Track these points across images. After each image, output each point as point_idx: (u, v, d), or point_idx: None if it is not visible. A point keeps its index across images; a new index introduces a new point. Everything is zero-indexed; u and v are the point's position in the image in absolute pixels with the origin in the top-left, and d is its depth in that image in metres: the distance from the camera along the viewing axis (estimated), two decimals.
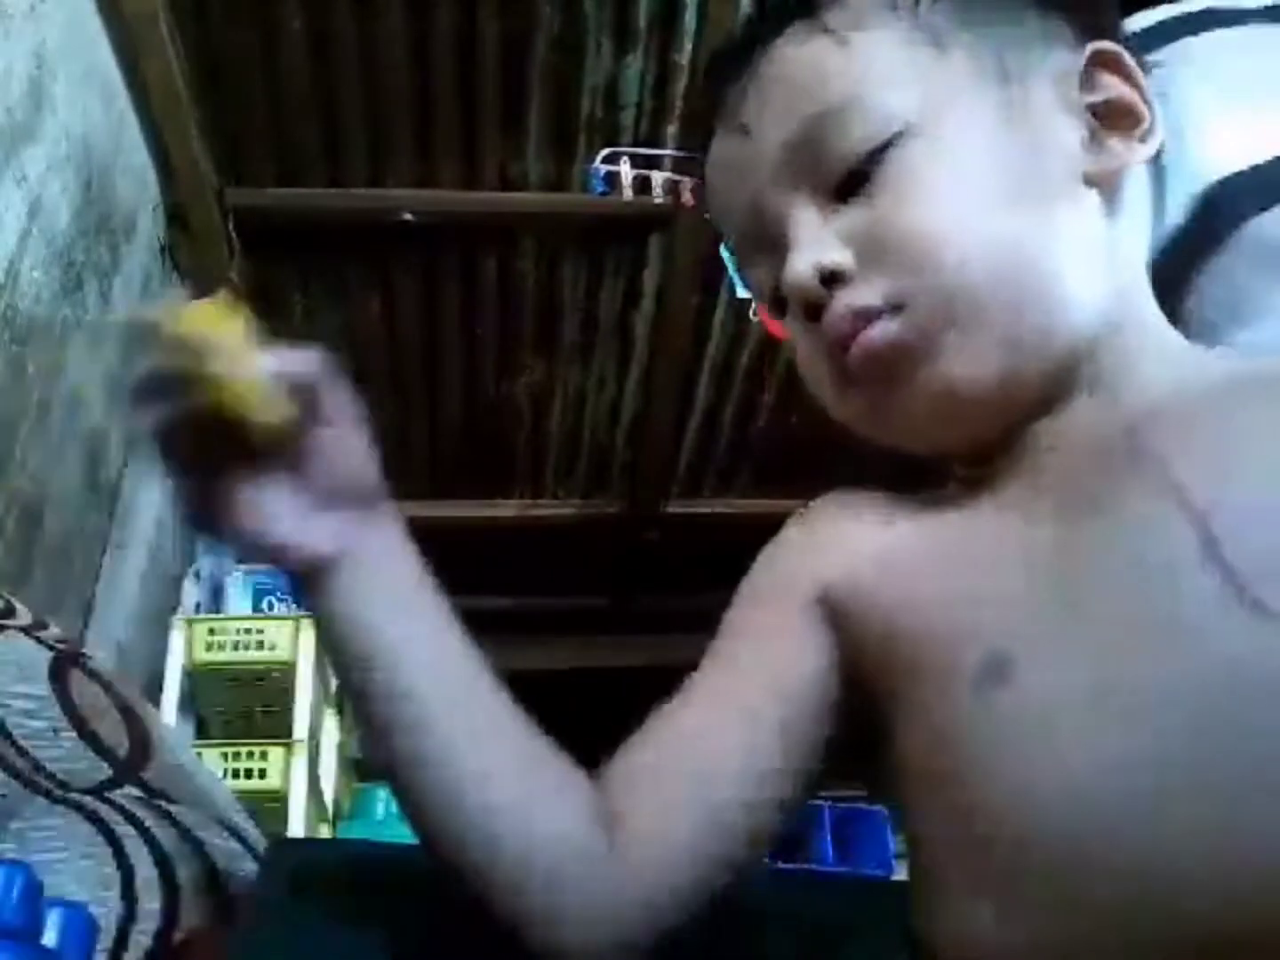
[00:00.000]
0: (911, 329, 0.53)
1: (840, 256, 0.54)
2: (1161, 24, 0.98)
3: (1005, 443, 0.57)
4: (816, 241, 0.55)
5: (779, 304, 0.60)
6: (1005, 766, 0.47)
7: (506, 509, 3.59)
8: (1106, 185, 0.57)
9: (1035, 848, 0.45)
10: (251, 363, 0.53)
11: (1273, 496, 0.46)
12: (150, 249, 2.36)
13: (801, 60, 0.57)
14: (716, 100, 0.60)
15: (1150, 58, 0.91)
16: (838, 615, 0.58)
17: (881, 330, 0.54)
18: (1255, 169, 0.85)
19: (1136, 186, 0.59)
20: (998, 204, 0.54)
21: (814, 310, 0.56)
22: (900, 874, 1.69)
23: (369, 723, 0.57)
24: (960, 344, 0.53)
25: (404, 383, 3.10)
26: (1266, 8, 0.94)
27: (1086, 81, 0.57)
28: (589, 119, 2.43)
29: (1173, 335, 0.59)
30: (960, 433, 0.57)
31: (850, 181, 0.55)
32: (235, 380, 0.52)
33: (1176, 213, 0.89)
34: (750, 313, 2.31)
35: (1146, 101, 0.57)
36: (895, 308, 0.53)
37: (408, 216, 2.55)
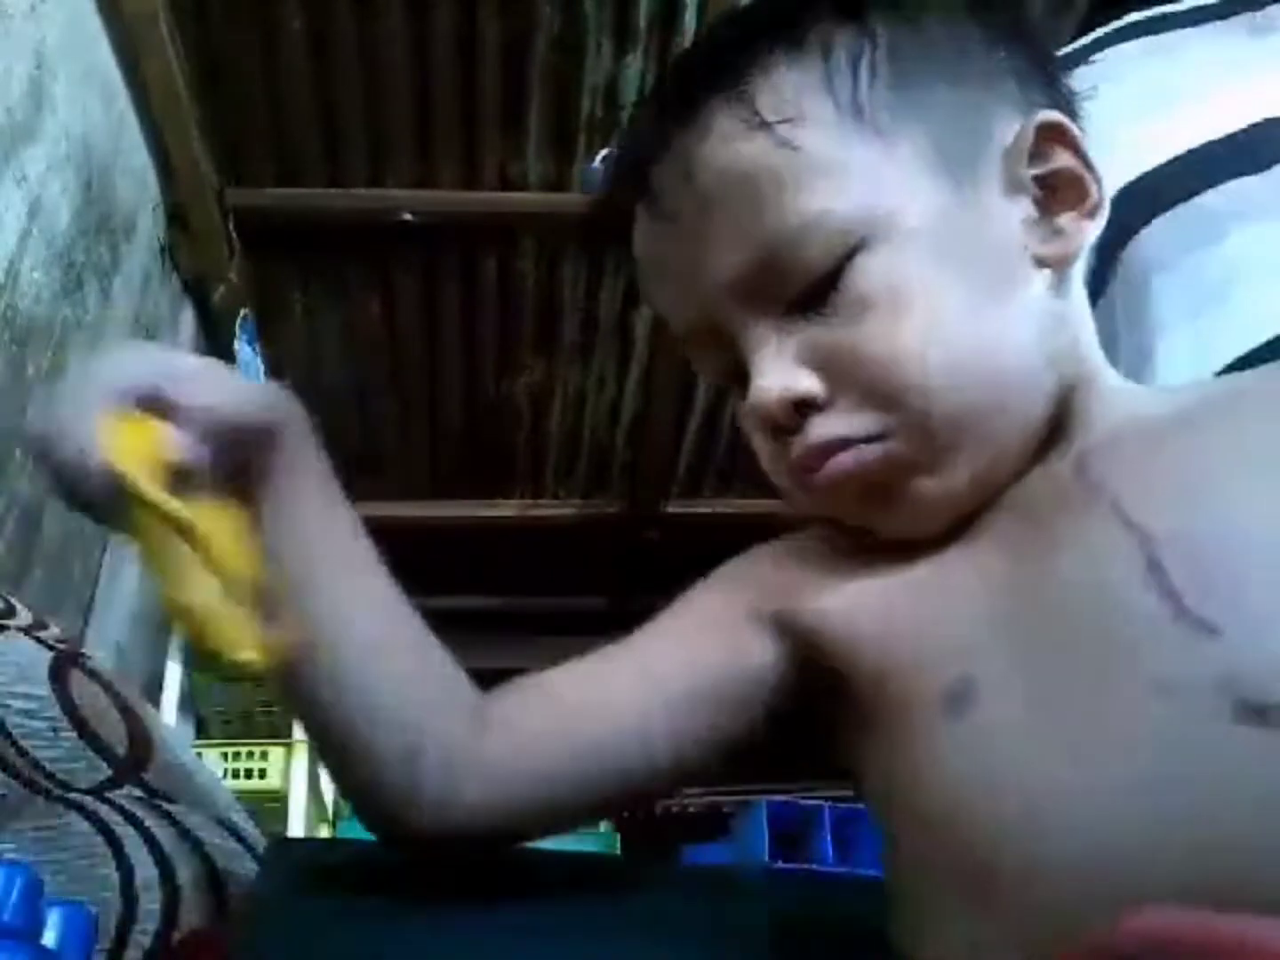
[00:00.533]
0: (891, 458, 0.53)
1: (810, 384, 0.53)
2: (1096, 40, 0.99)
3: None
4: (779, 364, 0.53)
5: (728, 386, 0.60)
6: (969, 793, 0.47)
7: (506, 509, 3.59)
8: (1057, 267, 0.56)
9: (999, 872, 0.45)
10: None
11: (1212, 518, 0.46)
12: (150, 249, 2.36)
13: (741, 164, 0.53)
14: (638, 176, 0.57)
15: (1080, 70, 0.91)
16: (794, 640, 0.58)
17: (855, 456, 0.53)
18: (1144, 176, 0.86)
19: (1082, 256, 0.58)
20: (963, 309, 0.52)
21: (786, 431, 0.55)
22: None
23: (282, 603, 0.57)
24: (938, 466, 0.53)
25: (404, 382, 3.11)
26: (1190, 9, 0.94)
27: (1034, 154, 0.55)
28: (589, 119, 2.43)
29: (1114, 379, 0.59)
30: (931, 530, 0.57)
31: (808, 298, 0.53)
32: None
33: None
34: None
35: (1093, 173, 0.56)
36: (873, 440, 0.53)
37: (408, 216, 2.55)
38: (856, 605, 0.56)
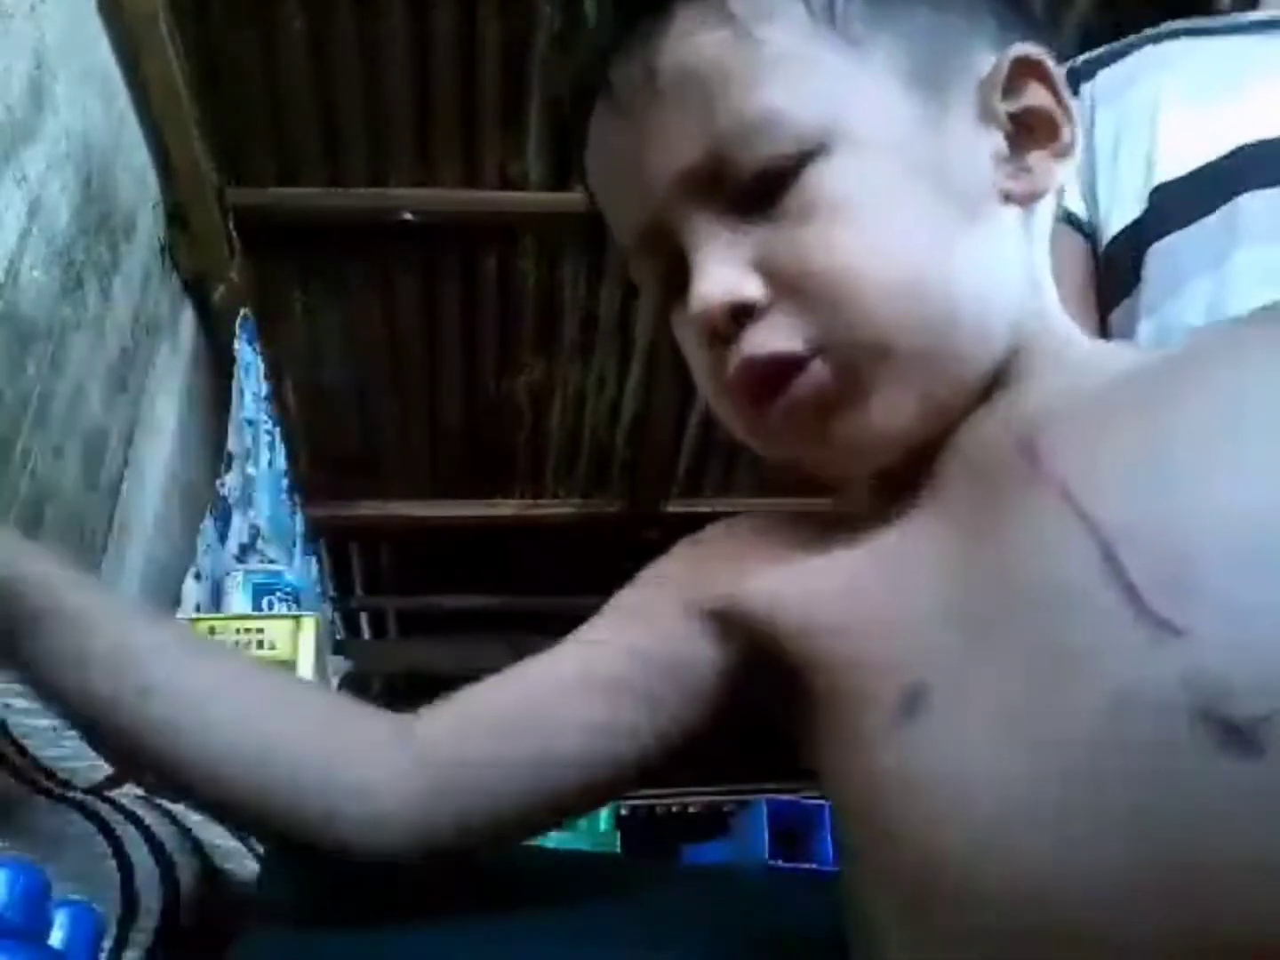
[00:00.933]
0: (833, 376, 0.50)
1: (753, 289, 0.50)
2: (1138, 37, 1.01)
3: (906, 463, 0.54)
4: (723, 267, 0.51)
5: (664, 301, 0.57)
6: (917, 801, 0.44)
7: (506, 508, 3.59)
8: (1023, 205, 0.54)
9: (936, 895, 0.42)
10: None
11: (1174, 501, 0.42)
12: (150, 248, 2.36)
13: (702, 56, 0.51)
14: (597, 70, 0.55)
15: (1126, 60, 0.91)
16: (740, 632, 0.56)
17: (807, 381, 0.50)
18: (1193, 175, 0.87)
19: (1048, 199, 0.57)
20: (917, 230, 0.50)
21: (719, 339, 0.52)
22: None
23: (109, 737, 0.54)
24: (881, 388, 0.50)
25: (404, 382, 3.11)
26: (1229, 25, 0.96)
27: (1009, 88, 0.54)
28: None
29: (1077, 338, 0.56)
30: (870, 466, 0.55)
31: (758, 198, 0.51)
32: None
33: (1136, 205, 0.91)
34: None
35: (1067, 113, 0.54)
36: (815, 352, 0.50)
37: (408, 216, 2.55)
38: (811, 593, 0.53)
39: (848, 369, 0.50)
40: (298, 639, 2.42)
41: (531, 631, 4.24)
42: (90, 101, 2.02)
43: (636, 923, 0.61)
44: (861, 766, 0.48)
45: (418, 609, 4.24)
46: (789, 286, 0.50)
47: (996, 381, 0.53)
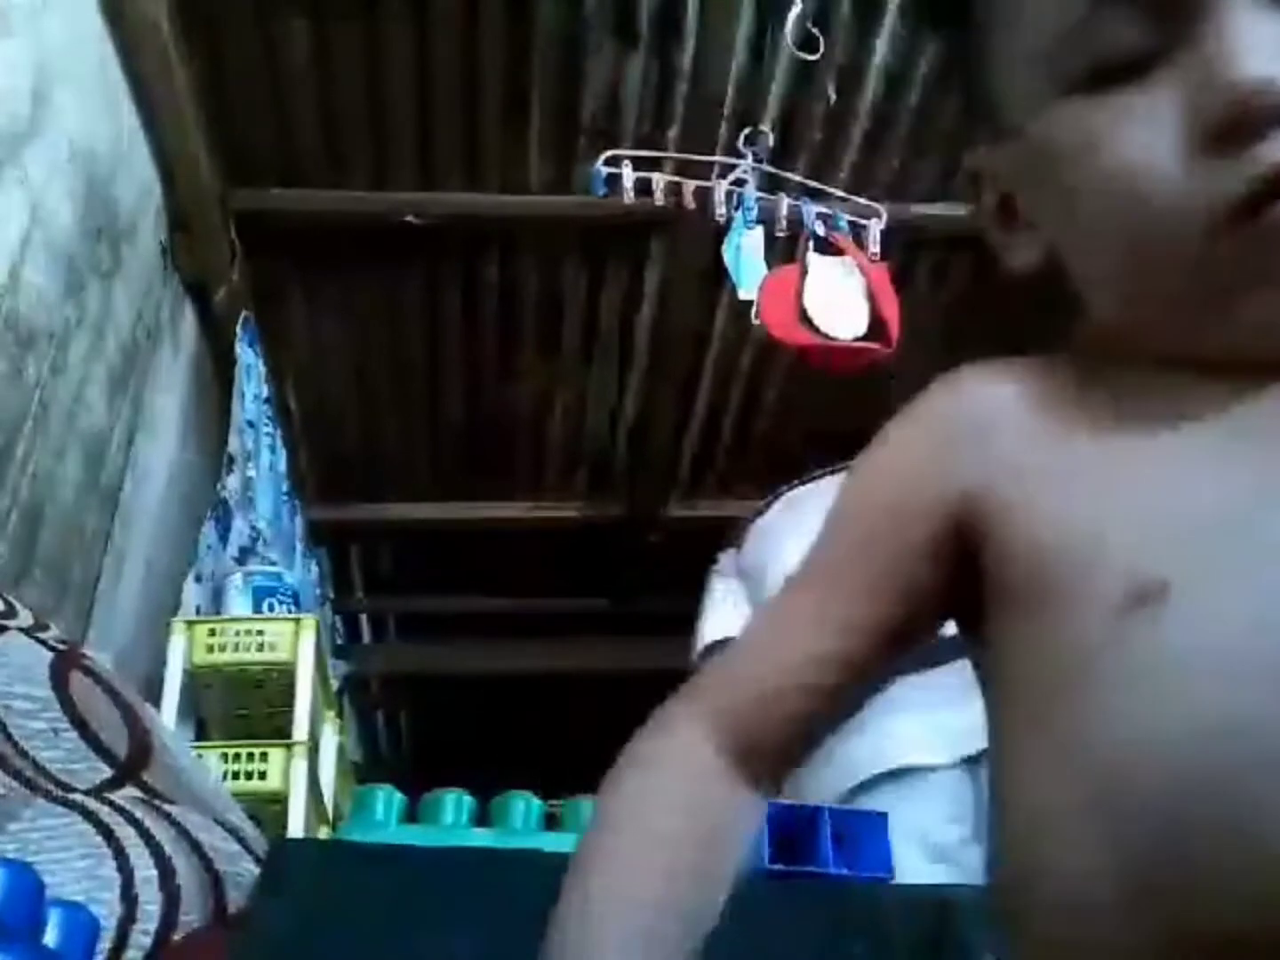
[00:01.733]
0: None
1: None
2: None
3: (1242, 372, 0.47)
4: (1266, 41, 0.41)
5: (1106, 80, 0.45)
6: (1135, 704, 0.42)
7: (508, 511, 3.59)
8: None
9: (1144, 793, 0.41)
10: None
11: None
12: (152, 251, 2.37)
13: None
14: None
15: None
16: (971, 531, 0.51)
17: None
18: None
19: None
20: None
21: (1231, 135, 0.42)
22: (900, 877, 1.68)
23: None
24: None
25: (406, 385, 3.11)
26: None
27: None
28: (590, 122, 2.43)
29: None
30: None
31: None
32: None
33: None
34: (751, 315, 2.31)
35: None
36: None
37: (410, 219, 2.55)
38: (1036, 464, 0.49)
39: None
40: (298, 641, 2.42)
41: (531, 634, 4.24)
42: (93, 105, 2.03)
43: None
44: (1072, 651, 0.45)
45: (418, 611, 4.23)
46: None
47: None
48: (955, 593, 0.53)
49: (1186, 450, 0.46)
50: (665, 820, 0.54)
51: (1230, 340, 0.45)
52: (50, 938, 0.51)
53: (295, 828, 2.17)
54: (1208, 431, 0.45)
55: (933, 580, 0.53)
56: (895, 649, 0.55)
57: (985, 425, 0.51)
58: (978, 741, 0.82)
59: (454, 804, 2.75)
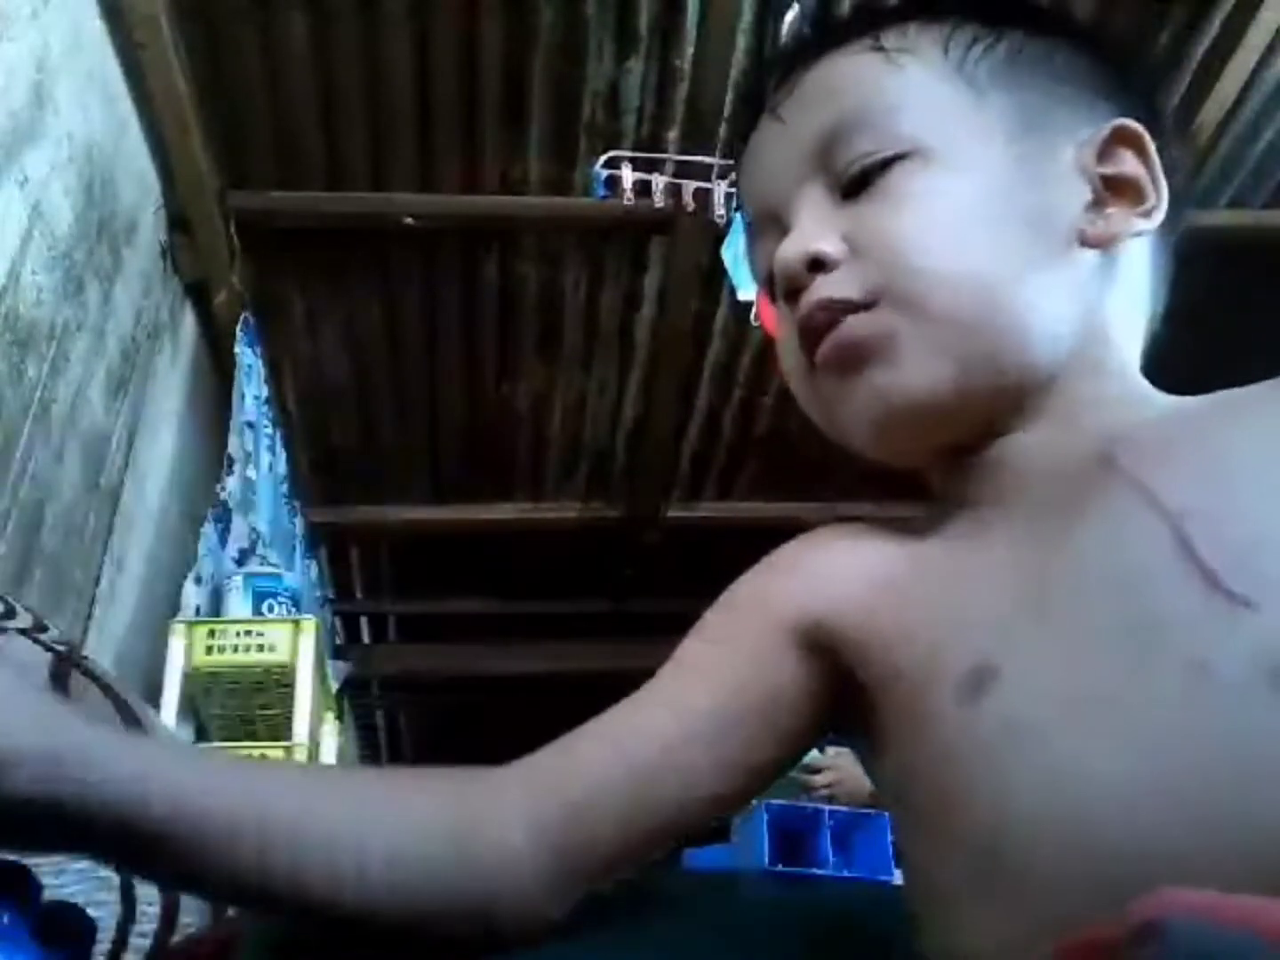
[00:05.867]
0: (876, 325, 0.56)
1: (830, 247, 0.58)
2: None
3: (972, 463, 0.59)
4: (815, 228, 0.59)
5: (772, 287, 0.63)
6: (987, 775, 0.48)
7: (506, 513, 3.59)
8: (1102, 247, 0.59)
9: (1011, 852, 0.46)
10: None
11: (1239, 499, 0.48)
12: (151, 251, 2.37)
13: (845, 68, 0.61)
14: (764, 96, 0.65)
15: None
16: (825, 648, 0.59)
17: (851, 325, 0.57)
18: None
19: (1137, 255, 0.62)
20: (983, 237, 0.57)
21: (795, 293, 0.59)
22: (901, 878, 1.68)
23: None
24: (920, 350, 0.56)
25: (405, 386, 3.11)
26: None
27: (1105, 153, 0.60)
28: (590, 123, 2.44)
29: (1148, 389, 0.61)
30: (910, 442, 0.60)
31: (859, 184, 0.59)
32: None
33: None
34: (751, 317, 2.31)
35: (1155, 184, 0.60)
36: (870, 303, 0.56)
37: (409, 220, 2.55)
38: (874, 597, 0.58)
39: (894, 322, 0.56)
40: (297, 642, 2.42)
41: (531, 636, 4.24)
42: (92, 105, 2.03)
43: (637, 924, 0.61)
44: (929, 739, 0.52)
45: (417, 613, 4.24)
46: (864, 249, 0.57)
47: (1052, 406, 0.58)
48: (823, 701, 0.59)
49: (986, 562, 0.55)
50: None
51: (859, 447, 0.61)
52: (47, 939, 0.51)
53: None
54: (995, 545, 0.55)
55: (796, 673, 0.59)
56: (761, 734, 0.58)
57: (834, 565, 0.61)
58: None
59: None
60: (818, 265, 0.57)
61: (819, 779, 2.05)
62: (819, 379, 0.59)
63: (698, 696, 0.58)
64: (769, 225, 0.63)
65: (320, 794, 0.56)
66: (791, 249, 0.58)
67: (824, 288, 0.57)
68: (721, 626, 0.62)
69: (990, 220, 0.57)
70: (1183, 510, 0.48)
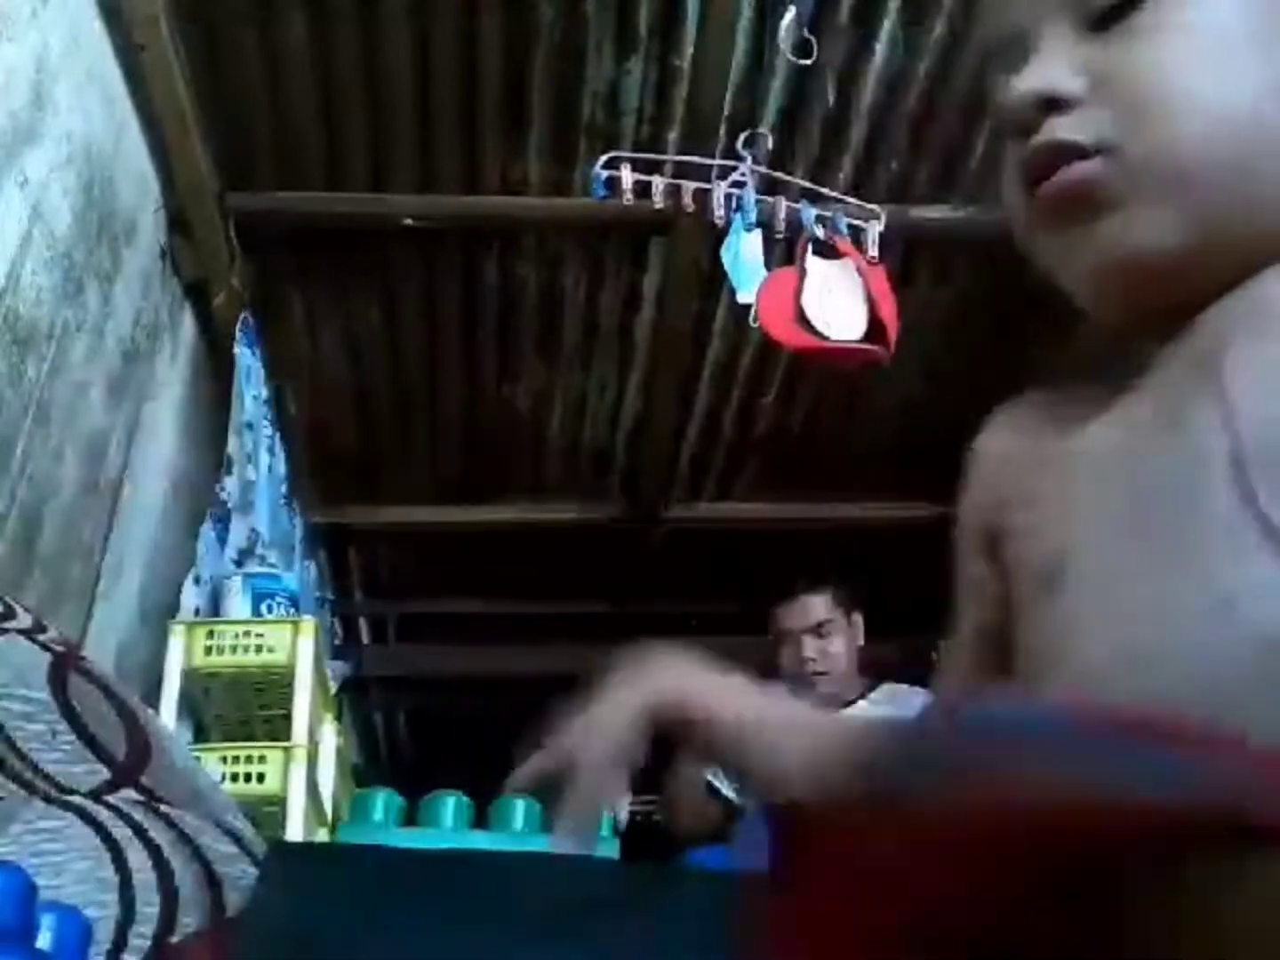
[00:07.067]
0: (1112, 175, 0.52)
1: (1069, 85, 0.54)
2: None
3: (1155, 332, 0.56)
4: (1055, 63, 0.54)
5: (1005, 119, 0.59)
6: (1054, 668, 0.50)
7: (506, 513, 3.59)
8: None
9: None
10: None
11: None
12: (151, 252, 2.36)
13: None
14: None
15: None
16: (998, 544, 0.60)
17: (1080, 169, 0.53)
18: None
19: None
20: (1248, 87, 0.52)
21: (1025, 132, 0.55)
22: None
23: None
24: (1153, 207, 0.52)
25: (404, 386, 3.11)
26: None
27: None
28: (590, 123, 2.43)
29: None
30: (1128, 300, 0.56)
31: (1113, 14, 0.54)
32: None
33: None
34: (750, 318, 2.31)
35: None
36: (1102, 150, 0.53)
37: (408, 221, 2.55)
38: (1006, 487, 0.60)
39: (1127, 175, 0.52)
40: (296, 643, 2.41)
41: (530, 636, 4.24)
42: (92, 106, 2.03)
43: (637, 925, 0.61)
44: (1021, 630, 0.54)
45: (417, 613, 4.23)
46: (1105, 89, 0.53)
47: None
48: None
49: (1100, 441, 0.55)
50: None
51: (1074, 297, 0.57)
52: (43, 941, 0.51)
53: (294, 830, 2.17)
54: (1116, 423, 0.55)
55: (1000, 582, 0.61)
56: None
57: (998, 459, 0.63)
58: None
59: (453, 807, 2.74)
60: (1052, 105, 0.53)
61: None
62: (1038, 221, 0.56)
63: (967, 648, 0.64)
64: (1010, 51, 0.58)
65: None
66: (1026, 84, 0.54)
67: (1055, 129, 0.53)
68: (962, 570, 0.65)
69: (1257, 68, 0.52)
70: (1250, 436, 0.46)
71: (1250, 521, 0.44)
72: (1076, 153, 0.53)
